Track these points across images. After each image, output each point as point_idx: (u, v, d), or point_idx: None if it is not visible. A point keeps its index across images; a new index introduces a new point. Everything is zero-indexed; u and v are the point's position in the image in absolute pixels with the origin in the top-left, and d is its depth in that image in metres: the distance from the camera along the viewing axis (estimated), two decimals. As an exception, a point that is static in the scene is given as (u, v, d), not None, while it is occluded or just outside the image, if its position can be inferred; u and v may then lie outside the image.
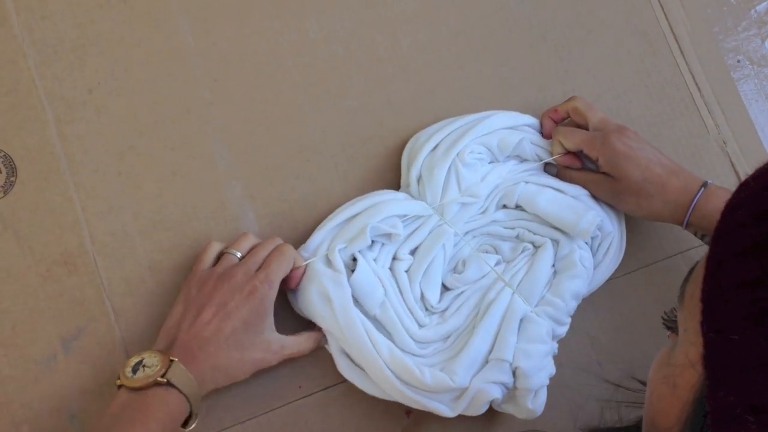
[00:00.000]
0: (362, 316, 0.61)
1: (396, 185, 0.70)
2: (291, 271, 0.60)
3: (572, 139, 0.67)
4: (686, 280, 0.42)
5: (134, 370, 0.53)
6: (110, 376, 0.60)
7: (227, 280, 0.58)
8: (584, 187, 0.68)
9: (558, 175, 0.70)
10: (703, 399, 0.37)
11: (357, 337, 0.60)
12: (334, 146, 0.69)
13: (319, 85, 0.70)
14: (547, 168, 0.70)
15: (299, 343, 0.61)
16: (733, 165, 0.76)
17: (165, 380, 0.52)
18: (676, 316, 0.43)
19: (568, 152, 0.68)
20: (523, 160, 0.70)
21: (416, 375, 0.59)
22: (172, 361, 0.53)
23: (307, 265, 0.62)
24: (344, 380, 0.62)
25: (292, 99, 0.70)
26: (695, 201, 0.62)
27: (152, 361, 0.53)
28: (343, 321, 0.60)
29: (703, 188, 0.63)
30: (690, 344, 0.39)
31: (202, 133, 0.67)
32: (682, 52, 0.78)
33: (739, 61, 0.78)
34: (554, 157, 0.68)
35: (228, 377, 0.57)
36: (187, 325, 0.56)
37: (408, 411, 0.64)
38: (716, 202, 0.62)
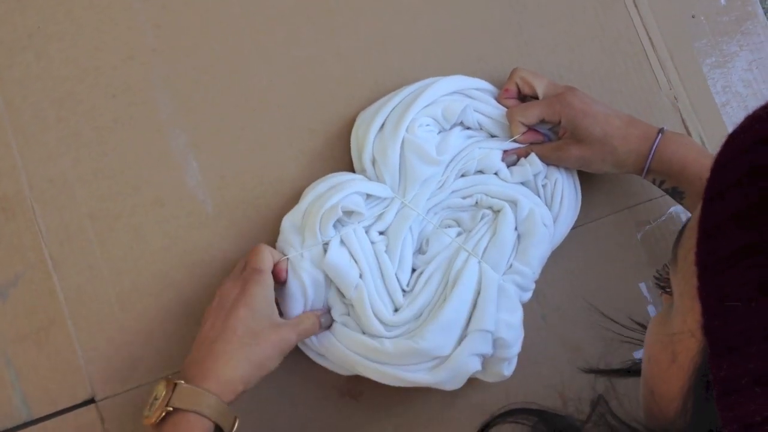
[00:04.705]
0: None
1: (344, 135, 0.69)
2: (275, 266, 0.60)
3: (530, 114, 0.66)
4: (677, 241, 0.39)
5: (151, 406, 0.52)
6: (47, 322, 0.60)
7: (220, 288, 0.59)
8: (553, 158, 0.67)
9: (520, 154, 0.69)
10: (706, 369, 0.34)
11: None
12: (282, 96, 0.69)
13: (267, 33, 0.69)
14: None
15: (308, 318, 0.61)
16: (683, 121, 0.76)
17: (170, 408, 0.51)
18: (669, 275, 0.40)
19: (528, 129, 0.67)
20: (467, 128, 0.69)
21: (376, 346, 0.59)
22: (176, 385, 0.52)
23: (288, 259, 0.61)
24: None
25: (239, 47, 0.68)
26: (654, 147, 0.64)
27: (159, 391, 0.53)
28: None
29: (660, 134, 0.64)
30: (688, 310, 0.36)
31: (145, 80, 0.66)
32: (636, 6, 0.77)
33: (693, 17, 0.78)
34: (516, 137, 0.67)
35: (255, 367, 0.55)
36: (197, 341, 0.56)
37: (355, 396, 0.65)
38: (674, 147, 0.64)
